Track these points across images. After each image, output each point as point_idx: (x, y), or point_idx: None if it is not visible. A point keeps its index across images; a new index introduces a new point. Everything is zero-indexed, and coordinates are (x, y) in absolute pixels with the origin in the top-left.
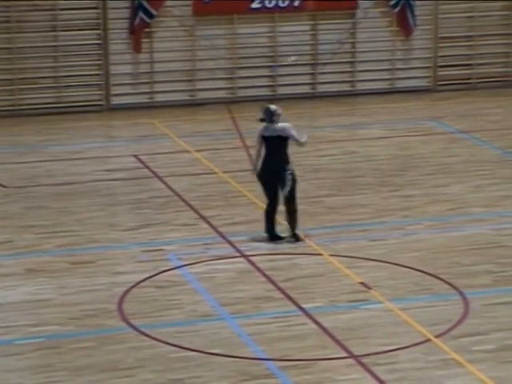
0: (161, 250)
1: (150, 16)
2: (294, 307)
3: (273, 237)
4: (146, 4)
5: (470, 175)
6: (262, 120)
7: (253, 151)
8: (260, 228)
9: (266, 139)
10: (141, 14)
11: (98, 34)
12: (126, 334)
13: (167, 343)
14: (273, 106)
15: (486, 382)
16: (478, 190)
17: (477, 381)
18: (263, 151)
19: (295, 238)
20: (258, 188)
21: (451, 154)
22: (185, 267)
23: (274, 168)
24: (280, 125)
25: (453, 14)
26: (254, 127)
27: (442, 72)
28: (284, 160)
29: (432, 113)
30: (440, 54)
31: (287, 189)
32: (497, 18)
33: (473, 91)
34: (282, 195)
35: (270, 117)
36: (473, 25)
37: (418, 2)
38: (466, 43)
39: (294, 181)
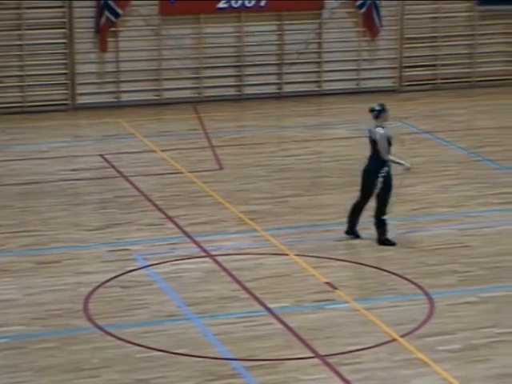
0: (126, 249)
1: (116, 15)
2: (259, 307)
3: (351, 230)
4: (111, 3)
5: (435, 175)
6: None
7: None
8: (225, 228)
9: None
10: (107, 13)
11: (64, 33)
12: (92, 334)
13: (133, 343)
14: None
15: (451, 381)
16: (443, 190)
17: (442, 380)
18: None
19: (384, 243)
20: (223, 188)
21: (416, 154)
22: (150, 267)
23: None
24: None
25: (418, 14)
26: (219, 127)
27: (408, 73)
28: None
29: (397, 113)
30: (405, 54)
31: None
32: (461, 19)
33: (438, 92)
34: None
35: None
36: (438, 26)
37: (383, 3)
38: (431, 44)
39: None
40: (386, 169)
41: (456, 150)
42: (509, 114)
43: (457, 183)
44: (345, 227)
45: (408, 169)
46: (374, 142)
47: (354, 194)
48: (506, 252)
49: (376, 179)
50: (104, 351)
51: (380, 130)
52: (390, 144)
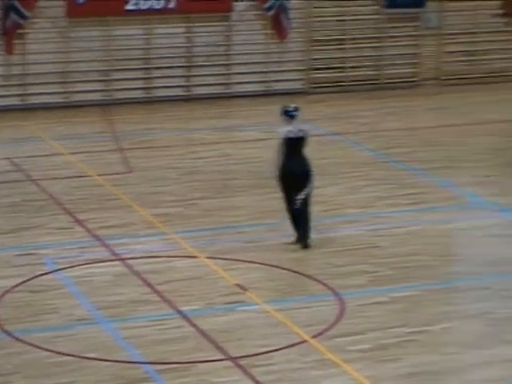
0: (36, 253)
1: (23, 17)
2: (171, 310)
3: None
4: (17, 4)
5: (344, 177)
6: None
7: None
8: (135, 231)
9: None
10: (13, 15)
11: None
12: (1, 339)
13: (42, 348)
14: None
15: (361, 381)
16: (352, 191)
17: (353, 380)
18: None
19: (306, 245)
20: (133, 191)
21: (325, 155)
22: (61, 271)
23: (300, 170)
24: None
25: (326, 17)
26: (128, 129)
27: (316, 75)
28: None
29: (306, 115)
30: (314, 56)
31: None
32: (368, 21)
33: (346, 94)
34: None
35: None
36: (345, 28)
37: (291, 5)
38: (339, 46)
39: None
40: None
41: (364, 152)
42: (416, 116)
43: (365, 184)
44: (295, 237)
45: None
46: (300, 141)
47: (264, 197)
48: (414, 252)
49: (309, 179)
50: (14, 357)
51: (306, 127)
52: None
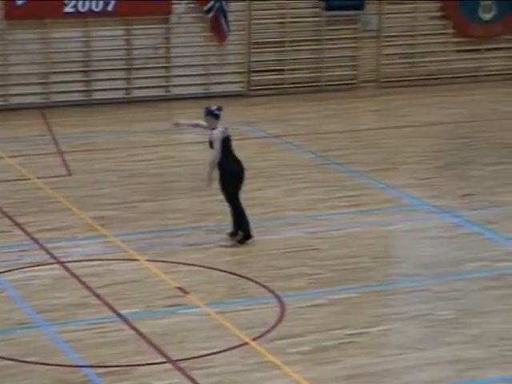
0: None
1: None
2: (110, 313)
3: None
4: None
5: (284, 179)
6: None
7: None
8: (75, 234)
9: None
10: None
11: None
12: None
13: None
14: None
15: (302, 383)
16: (292, 193)
17: (294, 382)
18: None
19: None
20: (72, 194)
21: (265, 158)
22: (0, 275)
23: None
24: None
25: (265, 19)
26: (68, 132)
27: (256, 77)
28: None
29: (246, 118)
30: (253, 59)
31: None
32: (308, 24)
33: (285, 96)
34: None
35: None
36: (285, 31)
37: (231, 8)
38: (278, 49)
39: None
40: None
41: (304, 154)
42: (356, 118)
43: (305, 186)
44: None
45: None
46: (230, 140)
47: (205, 199)
48: (353, 254)
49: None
50: None
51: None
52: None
